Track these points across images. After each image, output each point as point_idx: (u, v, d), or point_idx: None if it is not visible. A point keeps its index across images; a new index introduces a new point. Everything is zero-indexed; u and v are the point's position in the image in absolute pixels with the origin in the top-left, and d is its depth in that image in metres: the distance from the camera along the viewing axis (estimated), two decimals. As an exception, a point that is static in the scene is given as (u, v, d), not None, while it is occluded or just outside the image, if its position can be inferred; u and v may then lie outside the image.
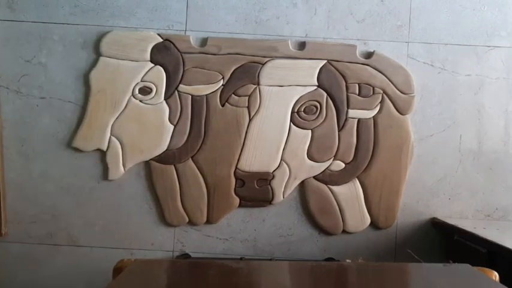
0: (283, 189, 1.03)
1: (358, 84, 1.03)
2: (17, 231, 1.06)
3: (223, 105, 1.03)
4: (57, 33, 1.05)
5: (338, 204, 1.04)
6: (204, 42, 1.04)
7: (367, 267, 0.69)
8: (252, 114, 1.03)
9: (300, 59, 1.03)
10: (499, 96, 1.05)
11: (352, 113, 1.03)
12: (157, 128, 1.03)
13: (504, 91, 1.05)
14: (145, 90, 1.03)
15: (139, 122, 1.02)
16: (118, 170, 1.03)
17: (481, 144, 1.05)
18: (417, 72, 1.04)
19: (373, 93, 1.03)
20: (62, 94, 1.05)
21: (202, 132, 1.03)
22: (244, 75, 1.03)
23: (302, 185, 1.04)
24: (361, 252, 1.04)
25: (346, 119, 1.03)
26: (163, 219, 1.05)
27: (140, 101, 1.03)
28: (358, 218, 1.04)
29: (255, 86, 1.03)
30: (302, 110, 1.03)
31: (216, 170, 1.03)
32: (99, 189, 1.05)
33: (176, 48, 1.03)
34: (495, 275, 0.62)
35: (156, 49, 1.03)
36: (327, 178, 1.03)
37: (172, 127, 1.03)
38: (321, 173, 1.03)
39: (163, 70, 1.03)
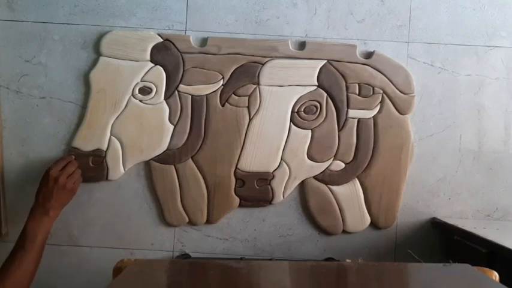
0: (283, 189, 1.03)
1: (358, 84, 1.03)
2: (17, 231, 1.05)
3: (223, 105, 1.03)
4: (57, 33, 1.05)
5: (338, 204, 1.04)
6: (204, 42, 1.04)
7: (367, 267, 0.69)
8: (252, 114, 1.03)
9: (300, 59, 1.03)
10: (499, 96, 1.05)
11: (352, 113, 1.03)
12: (157, 128, 1.03)
13: (504, 91, 1.05)
14: (145, 90, 1.03)
15: (139, 122, 1.03)
16: (118, 170, 1.03)
17: (481, 144, 1.05)
18: (417, 72, 1.04)
19: (373, 93, 1.03)
20: (62, 94, 1.05)
21: (202, 132, 1.03)
22: (244, 75, 1.03)
23: (302, 185, 1.04)
24: (361, 252, 1.04)
25: (346, 119, 1.03)
26: (163, 219, 1.05)
27: (140, 101, 1.03)
28: (358, 218, 1.04)
29: (255, 86, 1.03)
30: (302, 110, 1.03)
31: (216, 170, 1.03)
32: (99, 189, 1.05)
33: (176, 48, 1.03)
34: (495, 275, 0.62)
35: (156, 49, 1.03)
36: (327, 178, 1.03)
37: (172, 127, 1.03)
38: (321, 173, 1.03)
39: (163, 70, 1.03)
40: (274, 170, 1.03)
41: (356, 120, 1.03)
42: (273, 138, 1.03)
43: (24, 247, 0.90)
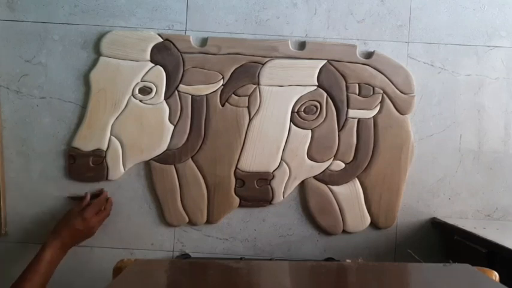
0: (283, 189, 1.03)
1: (358, 84, 1.03)
2: (17, 231, 1.06)
3: (223, 105, 1.03)
4: (57, 33, 1.05)
5: (338, 204, 1.04)
6: (204, 42, 1.04)
7: (367, 267, 0.69)
8: (252, 114, 1.03)
9: (300, 59, 1.03)
10: (499, 96, 1.05)
11: (352, 113, 1.03)
12: (158, 128, 1.03)
13: (504, 91, 1.05)
14: (145, 90, 1.03)
15: (139, 122, 1.03)
16: (118, 170, 1.03)
17: (481, 144, 1.05)
18: (417, 72, 1.04)
19: (373, 93, 1.03)
20: (62, 94, 1.05)
21: (202, 132, 1.03)
22: (244, 75, 1.03)
23: (302, 185, 1.04)
24: (361, 252, 1.04)
25: (346, 119, 1.03)
26: (163, 219, 1.05)
27: (140, 101, 1.03)
28: (358, 218, 1.04)
29: (255, 86, 1.03)
30: (302, 110, 1.03)
31: (216, 170, 1.03)
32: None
33: (176, 48, 1.03)
34: (495, 275, 0.62)
35: (156, 49, 1.03)
36: (327, 178, 1.03)
37: (172, 127, 1.03)
38: (321, 173, 1.03)
39: (163, 70, 1.03)
40: (274, 170, 1.03)
41: (356, 120, 1.03)
42: (273, 138, 1.03)
43: (36, 279, 0.89)
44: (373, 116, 1.03)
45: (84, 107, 1.04)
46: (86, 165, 1.02)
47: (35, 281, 0.88)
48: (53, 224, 0.98)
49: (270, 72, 1.03)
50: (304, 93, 1.03)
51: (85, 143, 1.03)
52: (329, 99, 1.03)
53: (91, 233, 0.99)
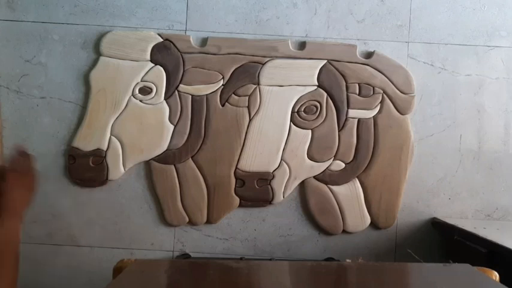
0: (283, 189, 1.03)
1: (358, 84, 1.03)
2: (17, 231, 1.05)
3: (223, 105, 1.03)
4: (57, 33, 1.05)
5: (338, 204, 1.03)
6: (204, 42, 1.04)
7: (367, 267, 0.69)
8: (252, 114, 1.03)
9: (300, 58, 1.03)
10: (499, 96, 1.05)
11: (352, 113, 1.03)
12: (158, 128, 1.03)
13: (504, 91, 1.05)
14: (145, 90, 1.03)
15: (139, 122, 1.02)
16: (118, 170, 1.03)
17: (481, 144, 1.05)
18: (417, 72, 1.04)
19: (373, 93, 1.03)
20: (62, 94, 1.05)
21: (202, 132, 1.03)
22: (244, 75, 1.03)
23: (302, 185, 1.04)
24: (361, 252, 1.04)
25: (346, 119, 1.03)
26: (163, 219, 1.05)
27: (140, 100, 1.03)
28: (358, 218, 1.04)
29: (255, 86, 1.03)
30: (302, 110, 1.03)
31: (216, 170, 1.03)
32: (99, 189, 1.05)
33: (176, 48, 1.03)
34: (495, 275, 0.62)
35: (156, 49, 1.03)
36: (327, 178, 1.03)
37: (172, 127, 1.03)
38: (321, 173, 1.03)
39: (163, 70, 1.03)
40: (274, 170, 1.03)
41: (356, 120, 1.03)
42: (273, 138, 1.03)
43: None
44: (373, 116, 1.03)
45: (84, 107, 1.04)
46: (86, 165, 1.02)
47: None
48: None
49: (270, 72, 1.03)
50: (304, 93, 1.03)
51: (85, 143, 1.02)
52: (329, 99, 1.03)
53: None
